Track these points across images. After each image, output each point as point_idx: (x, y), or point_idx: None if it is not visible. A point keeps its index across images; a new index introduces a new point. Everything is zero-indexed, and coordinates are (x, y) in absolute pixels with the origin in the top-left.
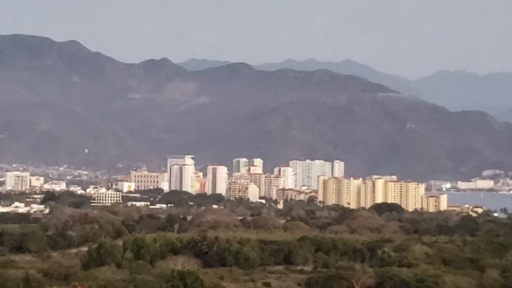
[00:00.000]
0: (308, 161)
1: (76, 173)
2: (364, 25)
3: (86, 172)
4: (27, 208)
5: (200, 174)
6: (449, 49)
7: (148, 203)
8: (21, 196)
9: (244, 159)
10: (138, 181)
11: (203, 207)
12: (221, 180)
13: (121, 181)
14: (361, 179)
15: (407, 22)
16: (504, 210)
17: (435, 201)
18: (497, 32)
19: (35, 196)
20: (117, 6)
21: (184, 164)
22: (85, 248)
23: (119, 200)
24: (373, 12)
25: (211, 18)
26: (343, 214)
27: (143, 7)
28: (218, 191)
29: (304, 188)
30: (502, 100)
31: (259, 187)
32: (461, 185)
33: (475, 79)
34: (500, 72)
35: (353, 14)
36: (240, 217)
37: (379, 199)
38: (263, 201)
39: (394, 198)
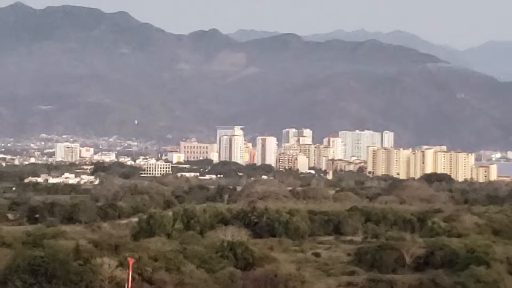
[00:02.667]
0: (357, 131)
1: (126, 144)
2: None
3: (135, 143)
4: (77, 179)
5: (250, 144)
6: (499, 19)
7: (198, 174)
8: (71, 167)
9: (294, 130)
10: (187, 152)
11: (252, 178)
12: (271, 151)
13: (171, 152)
14: (410, 149)
15: None
16: None
17: (485, 171)
18: None
19: (85, 167)
20: None
21: (234, 135)
22: (135, 219)
23: (168, 171)
24: None
25: None
26: (392, 184)
27: None
28: (267, 161)
29: (353, 158)
30: None
31: (309, 157)
32: (511, 155)
33: None
34: None
35: None
36: (290, 188)
37: (429, 170)
38: (313, 171)
39: (443, 168)
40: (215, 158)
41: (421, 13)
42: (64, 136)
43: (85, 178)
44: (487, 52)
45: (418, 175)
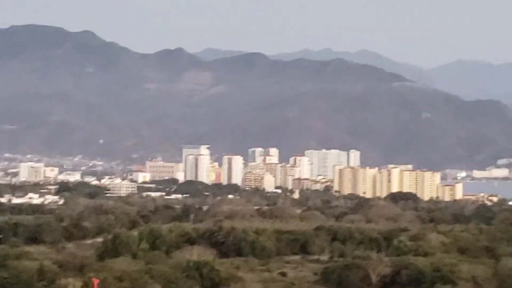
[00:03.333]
0: (324, 150)
1: (91, 164)
2: (379, 15)
3: (101, 163)
4: (41, 199)
5: (216, 164)
6: (464, 38)
7: (164, 193)
8: (35, 187)
9: (260, 149)
10: (153, 171)
11: (218, 197)
12: (237, 170)
13: (136, 171)
14: (376, 168)
15: (422, 12)
16: None
17: (451, 190)
18: None
19: (49, 187)
20: None
21: (200, 154)
22: (100, 239)
23: (134, 190)
24: (389, 1)
25: (225, 7)
26: (359, 203)
27: None
28: (233, 181)
29: (320, 177)
30: None
31: (275, 176)
32: (476, 174)
33: (489, 68)
34: None
35: (368, 4)
36: (256, 207)
37: (395, 188)
38: (279, 191)
39: (409, 187)
40: (181, 177)
41: (387, 32)
42: (28, 156)
43: (50, 198)
44: (452, 71)
45: (384, 194)
